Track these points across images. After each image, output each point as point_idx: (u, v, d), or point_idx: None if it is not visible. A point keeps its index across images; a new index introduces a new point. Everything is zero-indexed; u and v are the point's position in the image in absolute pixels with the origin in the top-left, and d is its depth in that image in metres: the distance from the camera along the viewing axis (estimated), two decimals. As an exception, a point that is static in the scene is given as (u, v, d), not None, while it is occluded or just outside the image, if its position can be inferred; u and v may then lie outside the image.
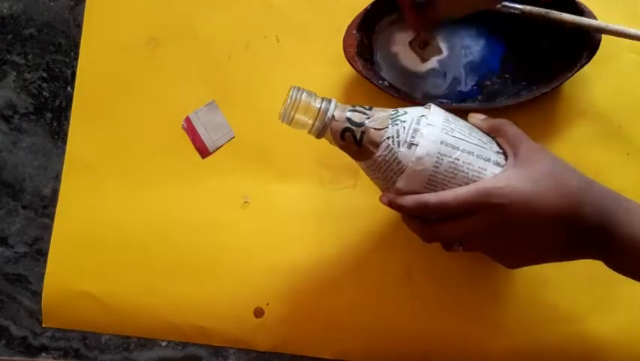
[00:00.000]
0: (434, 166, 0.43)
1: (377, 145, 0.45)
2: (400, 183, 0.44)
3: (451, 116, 0.46)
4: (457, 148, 0.44)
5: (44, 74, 0.60)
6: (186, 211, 0.57)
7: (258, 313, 0.56)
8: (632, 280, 0.44)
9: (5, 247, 0.59)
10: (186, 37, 0.59)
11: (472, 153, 0.44)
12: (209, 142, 0.58)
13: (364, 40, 0.56)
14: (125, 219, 0.58)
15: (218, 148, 0.58)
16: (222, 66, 0.59)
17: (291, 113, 0.45)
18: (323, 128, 0.46)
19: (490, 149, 0.45)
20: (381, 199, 0.46)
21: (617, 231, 0.42)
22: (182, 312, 0.56)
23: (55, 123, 0.60)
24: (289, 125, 0.46)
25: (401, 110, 0.46)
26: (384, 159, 0.45)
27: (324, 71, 0.58)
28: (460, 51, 0.57)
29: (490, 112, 0.55)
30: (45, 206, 0.59)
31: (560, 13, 0.52)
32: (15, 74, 0.60)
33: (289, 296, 0.56)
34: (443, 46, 0.57)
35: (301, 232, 0.56)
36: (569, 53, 0.54)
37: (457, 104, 0.55)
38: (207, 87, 0.59)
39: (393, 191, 0.45)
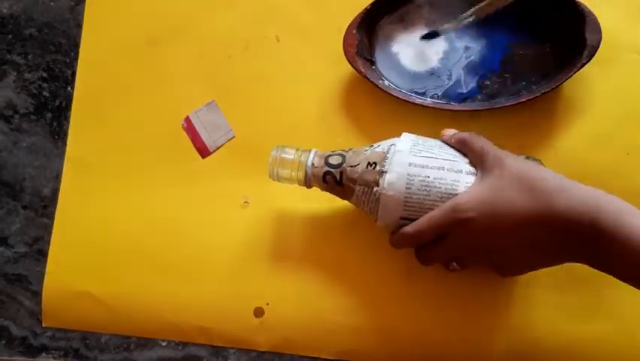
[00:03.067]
0: (406, 188, 0.46)
1: (354, 181, 0.48)
2: (380, 212, 0.47)
3: (421, 139, 0.49)
4: (426, 166, 0.46)
5: (44, 74, 0.60)
6: (186, 211, 0.57)
7: (258, 313, 0.56)
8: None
9: (5, 247, 0.59)
10: (186, 37, 0.59)
11: (443, 167, 0.46)
12: (209, 142, 0.58)
13: (364, 39, 0.56)
14: (125, 218, 0.58)
15: (218, 148, 0.58)
16: (222, 66, 0.59)
17: (276, 170, 0.50)
18: (307, 178, 0.50)
19: (462, 161, 0.47)
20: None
21: (601, 226, 0.40)
22: (182, 312, 0.56)
23: (55, 123, 0.60)
24: (278, 181, 0.51)
25: (375, 145, 0.49)
26: (364, 192, 0.48)
27: (324, 70, 0.58)
28: (460, 51, 0.57)
29: (489, 112, 0.55)
30: (45, 206, 0.59)
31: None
32: (15, 74, 0.60)
33: (289, 296, 0.56)
34: (444, 45, 0.57)
35: (301, 232, 0.56)
36: (568, 53, 0.54)
37: (457, 104, 0.55)
38: (207, 87, 0.59)
39: (379, 221, 0.48)
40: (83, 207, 0.58)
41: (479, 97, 0.56)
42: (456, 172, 0.46)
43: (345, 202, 0.52)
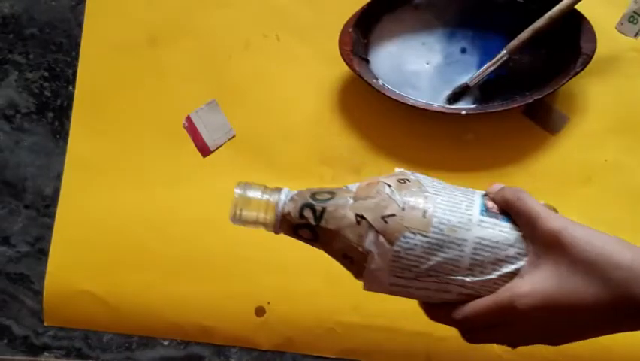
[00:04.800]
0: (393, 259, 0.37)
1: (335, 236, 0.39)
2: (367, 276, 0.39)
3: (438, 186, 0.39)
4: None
5: (46, 74, 0.60)
6: (187, 210, 0.57)
7: (260, 312, 0.56)
8: None
9: (7, 247, 0.59)
10: (187, 36, 0.59)
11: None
12: (209, 141, 0.58)
13: (361, 38, 0.56)
14: (126, 217, 0.58)
15: (218, 147, 0.58)
16: (223, 65, 0.59)
17: (238, 212, 0.40)
18: (276, 223, 0.40)
19: (468, 199, 0.39)
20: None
21: None
22: (183, 311, 0.56)
23: (56, 123, 0.60)
24: (241, 224, 0.41)
25: (363, 187, 0.39)
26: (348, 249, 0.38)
27: (324, 70, 0.58)
28: (456, 54, 0.56)
29: (483, 115, 0.55)
30: (47, 206, 0.59)
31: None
32: (17, 73, 0.60)
33: (290, 295, 0.56)
34: (439, 47, 0.57)
35: (302, 231, 0.56)
36: (564, 60, 0.54)
37: (451, 106, 0.55)
38: (208, 86, 0.59)
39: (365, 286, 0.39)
40: (84, 206, 0.58)
41: (473, 100, 0.55)
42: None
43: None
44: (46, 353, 0.58)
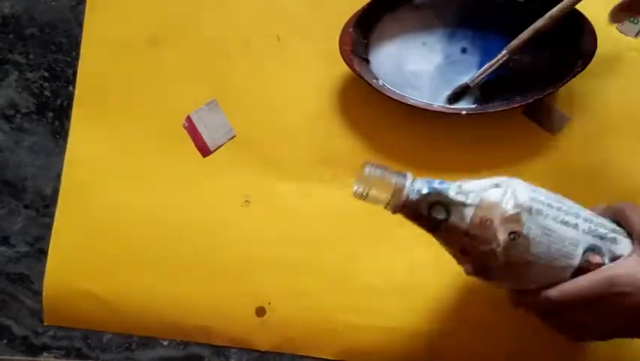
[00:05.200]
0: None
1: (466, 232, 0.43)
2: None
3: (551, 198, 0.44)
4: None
5: (46, 74, 0.60)
6: (187, 210, 0.57)
7: (260, 312, 0.56)
8: None
9: (7, 247, 0.59)
10: (187, 36, 0.59)
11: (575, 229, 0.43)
12: (210, 141, 0.58)
13: (361, 38, 0.56)
14: (126, 217, 0.58)
15: (219, 147, 0.58)
16: (223, 65, 0.59)
17: (366, 190, 0.44)
18: (398, 204, 0.43)
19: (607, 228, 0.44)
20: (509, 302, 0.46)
21: None
22: (183, 311, 0.56)
23: (56, 123, 0.60)
24: (363, 200, 0.45)
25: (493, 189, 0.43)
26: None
27: (325, 70, 0.58)
28: (456, 54, 0.56)
29: (484, 115, 0.55)
30: (47, 206, 0.59)
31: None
32: (17, 73, 0.60)
33: (291, 295, 0.56)
34: (440, 47, 0.56)
35: (302, 231, 0.56)
36: (565, 61, 0.53)
37: (451, 106, 0.55)
38: (208, 86, 0.59)
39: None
40: (84, 205, 0.58)
41: (474, 100, 0.55)
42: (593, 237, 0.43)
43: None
44: (45, 353, 0.58)
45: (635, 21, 0.55)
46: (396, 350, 0.54)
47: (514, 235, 0.41)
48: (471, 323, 0.54)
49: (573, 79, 0.53)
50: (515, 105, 0.53)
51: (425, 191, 0.43)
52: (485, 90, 0.56)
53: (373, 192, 0.44)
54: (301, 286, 0.56)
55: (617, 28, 0.56)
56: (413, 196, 0.43)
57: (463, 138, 0.56)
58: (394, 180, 0.43)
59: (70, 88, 0.60)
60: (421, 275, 0.55)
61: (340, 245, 0.56)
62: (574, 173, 0.55)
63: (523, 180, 0.55)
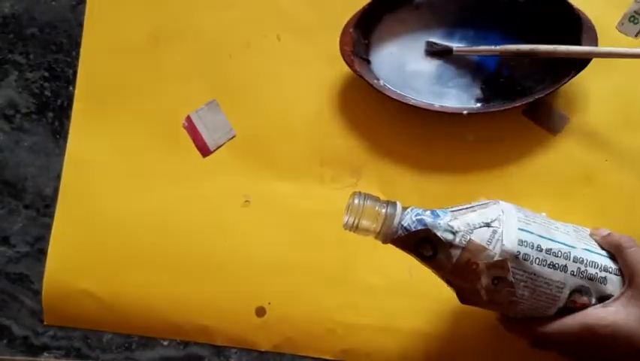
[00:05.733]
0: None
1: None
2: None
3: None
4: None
5: (46, 74, 0.60)
6: (187, 210, 0.57)
7: (260, 312, 0.56)
8: None
9: (7, 247, 0.59)
10: (187, 36, 0.59)
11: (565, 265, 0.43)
12: (210, 141, 0.58)
13: (362, 39, 0.56)
14: (126, 217, 0.58)
15: (219, 147, 0.58)
16: (223, 65, 0.59)
17: (356, 220, 0.43)
18: (388, 234, 0.43)
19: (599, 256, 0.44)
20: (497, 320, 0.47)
21: None
22: (183, 311, 0.56)
23: (56, 123, 0.60)
24: (353, 232, 0.44)
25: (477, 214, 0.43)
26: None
27: (325, 70, 0.58)
28: (456, 54, 0.56)
29: (484, 115, 0.55)
30: (47, 206, 0.59)
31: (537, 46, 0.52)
32: (17, 73, 0.60)
33: (291, 295, 0.56)
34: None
35: (302, 231, 0.56)
36: (565, 60, 0.53)
37: (451, 106, 0.55)
38: (208, 86, 0.59)
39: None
40: (84, 205, 0.58)
41: (473, 100, 0.55)
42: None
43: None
44: (45, 353, 0.58)
45: (635, 21, 0.55)
46: (396, 350, 0.54)
47: (498, 281, 0.41)
48: (471, 323, 0.54)
49: (573, 79, 0.53)
50: (515, 105, 0.53)
51: (413, 228, 0.42)
52: (485, 90, 0.56)
53: (364, 223, 0.43)
54: (301, 286, 0.56)
55: (617, 28, 0.56)
56: (401, 232, 0.43)
57: (463, 138, 0.56)
58: (384, 210, 0.43)
59: (70, 88, 0.60)
60: (420, 275, 0.55)
61: (340, 245, 0.56)
62: (574, 173, 0.55)
63: (523, 180, 0.56)
